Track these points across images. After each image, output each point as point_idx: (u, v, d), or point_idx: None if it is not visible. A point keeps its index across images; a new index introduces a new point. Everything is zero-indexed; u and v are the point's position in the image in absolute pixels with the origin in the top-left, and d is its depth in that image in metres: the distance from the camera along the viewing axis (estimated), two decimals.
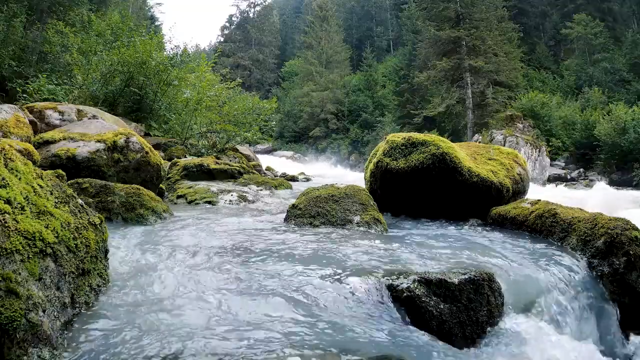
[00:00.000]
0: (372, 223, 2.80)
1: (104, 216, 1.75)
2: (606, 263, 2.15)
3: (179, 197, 4.21)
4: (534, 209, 2.80)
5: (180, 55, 12.02)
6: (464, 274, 1.71)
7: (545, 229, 2.61)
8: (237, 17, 56.48)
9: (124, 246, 2.18)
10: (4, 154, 1.38)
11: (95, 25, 12.24)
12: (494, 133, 21.95)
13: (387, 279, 1.68)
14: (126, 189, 2.97)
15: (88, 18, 13.44)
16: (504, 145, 16.98)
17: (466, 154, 3.53)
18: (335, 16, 44.33)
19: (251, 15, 55.55)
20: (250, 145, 11.99)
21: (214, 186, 4.59)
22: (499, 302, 1.73)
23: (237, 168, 5.68)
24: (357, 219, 2.81)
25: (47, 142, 3.78)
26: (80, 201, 1.66)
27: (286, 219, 2.98)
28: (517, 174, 3.68)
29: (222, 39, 56.64)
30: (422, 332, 1.52)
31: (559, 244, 2.44)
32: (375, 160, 3.54)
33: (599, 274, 2.13)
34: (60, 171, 2.78)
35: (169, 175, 5.13)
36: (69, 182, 2.84)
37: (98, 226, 1.64)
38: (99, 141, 3.78)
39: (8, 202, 1.23)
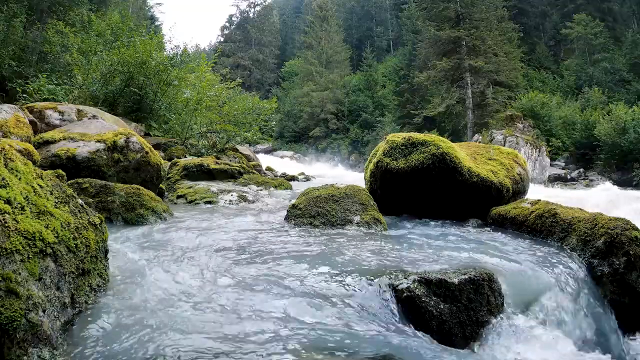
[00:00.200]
0: (372, 223, 2.80)
1: (104, 216, 1.75)
2: (606, 263, 2.14)
3: (179, 197, 4.21)
4: (534, 209, 2.80)
5: (180, 55, 12.02)
6: (464, 274, 1.71)
7: (545, 229, 2.61)
8: (237, 17, 56.49)
9: (124, 246, 2.18)
10: (4, 154, 1.38)
11: (95, 25, 12.24)
12: (494, 133, 21.95)
13: (387, 279, 1.68)
14: (126, 189, 2.97)
15: (88, 18, 13.45)
16: (504, 145, 16.98)
17: (466, 154, 3.53)
18: (335, 16, 44.33)
19: (251, 15, 55.56)
20: (250, 145, 11.99)
21: (214, 186, 4.59)
22: (499, 302, 1.73)
23: (237, 168, 5.68)
24: (357, 219, 2.81)
25: (47, 142, 3.78)
26: (80, 201, 1.66)
27: (286, 219, 2.98)
28: (517, 174, 3.68)
29: (222, 39, 56.64)
30: (422, 332, 1.52)
31: (559, 244, 2.44)
32: (375, 160, 3.54)
33: (599, 274, 2.13)
34: (60, 171, 2.78)
35: (169, 175, 5.13)
36: (69, 182, 2.84)
37: (98, 226, 1.64)
38: (99, 141, 3.78)
39: (8, 202, 1.23)
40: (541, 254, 2.27)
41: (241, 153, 8.48)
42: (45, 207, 1.39)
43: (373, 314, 1.54)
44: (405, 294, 1.61)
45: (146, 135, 8.37)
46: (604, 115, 22.41)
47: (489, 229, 3.00)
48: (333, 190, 3.05)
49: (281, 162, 19.86)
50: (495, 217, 3.11)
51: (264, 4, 56.77)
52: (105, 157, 3.70)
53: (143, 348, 1.19)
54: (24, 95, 8.59)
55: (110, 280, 1.64)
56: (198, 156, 7.41)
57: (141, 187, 3.12)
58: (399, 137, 3.43)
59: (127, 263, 1.90)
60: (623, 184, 17.49)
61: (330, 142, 36.55)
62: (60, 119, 5.33)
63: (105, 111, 7.20)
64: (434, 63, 27.02)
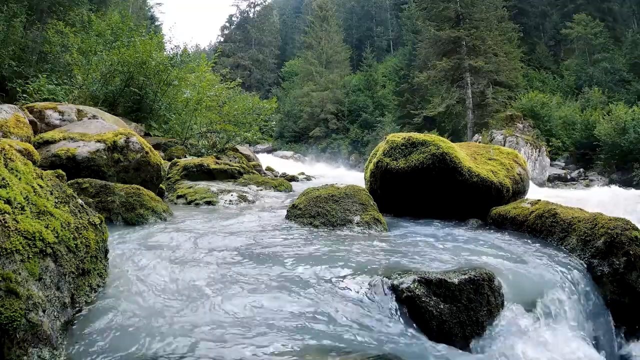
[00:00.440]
0: (372, 223, 2.80)
1: (104, 216, 1.75)
2: (606, 263, 2.14)
3: (179, 197, 4.21)
4: (534, 209, 2.80)
5: (180, 55, 12.02)
6: (464, 274, 1.71)
7: (545, 229, 2.61)
8: (237, 17, 56.49)
9: (124, 246, 2.17)
10: (4, 154, 1.38)
11: (95, 25, 12.24)
12: (494, 133, 21.95)
13: (387, 279, 1.68)
14: (126, 189, 2.97)
15: (88, 18, 13.45)
16: (504, 145, 16.99)
17: (466, 154, 3.53)
18: (335, 16, 44.33)
19: (251, 15, 55.56)
20: (250, 145, 11.99)
21: (214, 186, 4.59)
22: (499, 302, 1.73)
23: (237, 168, 5.68)
24: (357, 219, 2.81)
25: (47, 142, 3.78)
26: (80, 201, 1.66)
27: (286, 219, 2.98)
28: (517, 174, 3.68)
29: (222, 39, 56.64)
30: (422, 331, 1.52)
31: (559, 244, 2.44)
32: (375, 160, 3.54)
33: (599, 274, 2.13)
34: (60, 171, 2.77)
35: (169, 175, 5.13)
36: (69, 182, 2.84)
37: (98, 226, 1.64)
38: (99, 141, 3.78)
39: (8, 202, 1.23)
40: (541, 254, 2.27)
41: (241, 153, 8.48)
42: (45, 207, 1.39)
43: (373, 314, 1.54)
44: (405, 294, 1.61)
45: (146, 135, 8.37)
46: (604, 115, 22.41)
47: (489, 229, 3.00)
48: (333, 190, 3.05)
49: (281, 162, 19.85)
50: (495, 217, 3.11)
51: (264, 4, 56.79)
52: (105, 157, 3.70)
53: (143, 348, 1.20)
54: (24, 95, 8.59)
55: (111, 280, 1.64)
56: (198, 156, 7.41)
57: (141, 187, 3.12)
58: (399, 137, 3.43)
59: (128, 263, 1.90)
60: (623, 184, 17.49)
61: (330, 142, 36.55)
62: (60, 119, 5.33)
63: (105, 111, 7.20)
64: (434, 63, 27.01)
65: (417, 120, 29.43)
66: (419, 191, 3.33)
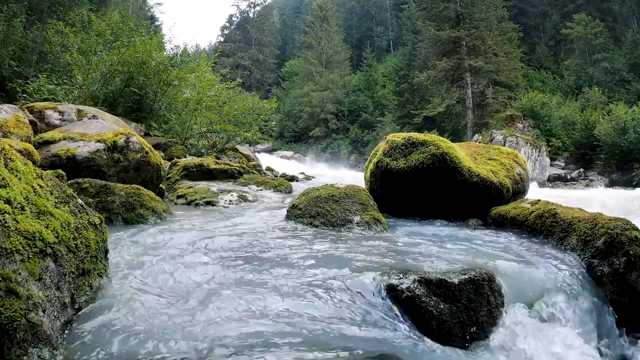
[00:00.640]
0: (372, 223, 2.79)
1: (104, 216, 1.75)
2: (606, 263, 2.14)
3: (179, 197, 4.21)
4: (534, 209, 2.80)
5: (180, 55, 12.03)
6: (464, 274, 1.71)
7: (545, 229, 2.61)
8: (237, 17, 56.52)
9: (124, 246, 2.18)
10: (4, 154, 1.38)
11: (95, 25, 12.24)
12: (494, 133, 21.96)
13: (387, 279, 1.68)
14: (126, 189, 2.97)
15: (88, 18, 13.46)
16: (504, 145, 16.99)
17: (466, 154, 3.53)
18: (335, 16, 44.35)
19: (251, 15, 55.59)
20: (250, 145, 11.98)
21: (214, 186, 4.59)
22: (499, 302, 1.73)
23: (237, 168, 5.68)
24: (357, 219, 2.81)
25: (47, 142, 3.78)
26: (80, 201, 1.66)
27: (286, 219, 2.98)
28: (517, 174, 3.68)
29: (222, 39, 56.67)
30: (422, 332, 1.52)
31: (559, 244, 2.44)
32: (375, 160, 3.54)
33: (599, 274, 2.13)
34: (60, 171, 2.78)
35: (169, 175, 5.12)
36: (69, 182, 2.84)
37: (98, 226, 1.64)
38: (99, 141, 3.78)
39: (8, 202, 1.23)
40: (541, 254, 2.27)
41: (241, 153, 8.48)
42: (45, 207, 1.39)
43: (373, 314, 1.54)
44: (405, 294, 1.61)
45: (146, 135, 8.38)
46: (604, 115, 22.42)
47: (489, 229, 3.00)
48: (333, 190, 3.05)
49: (281, 162, 19.87)
50: (495, 217, 3.11)
51: (264, 4, 56.82)
52: (105, 157, 3.70)
53: (143, 348, 1.20)
54: (24, 95, 8.59)
55: (111, 280, 1.64)
56: (198, 156, 7.41)
57: (141, 187, 3.12)
58: (399, 137, 3.43)
59: (128, 263, 1.90)
60: (623, 184, 17.50)
61: (330, 142, 36.56)
62: (60, 119, 5.33)
63: (105, 111, 7.20)
64: (434, 63, 27.03)
65: (417, 120, 29.44)
66: (419, 191, 3.33)
